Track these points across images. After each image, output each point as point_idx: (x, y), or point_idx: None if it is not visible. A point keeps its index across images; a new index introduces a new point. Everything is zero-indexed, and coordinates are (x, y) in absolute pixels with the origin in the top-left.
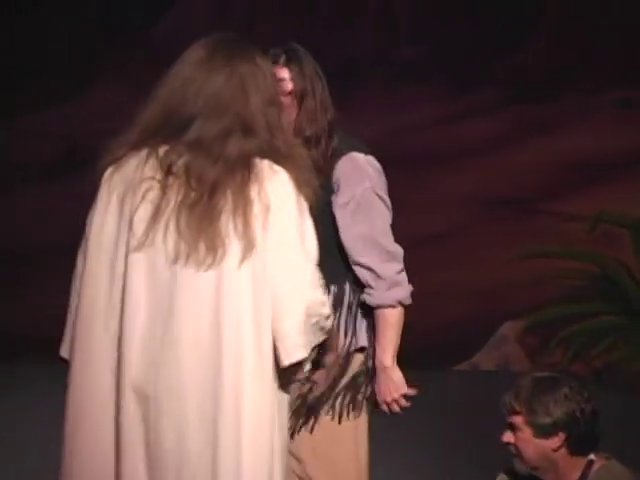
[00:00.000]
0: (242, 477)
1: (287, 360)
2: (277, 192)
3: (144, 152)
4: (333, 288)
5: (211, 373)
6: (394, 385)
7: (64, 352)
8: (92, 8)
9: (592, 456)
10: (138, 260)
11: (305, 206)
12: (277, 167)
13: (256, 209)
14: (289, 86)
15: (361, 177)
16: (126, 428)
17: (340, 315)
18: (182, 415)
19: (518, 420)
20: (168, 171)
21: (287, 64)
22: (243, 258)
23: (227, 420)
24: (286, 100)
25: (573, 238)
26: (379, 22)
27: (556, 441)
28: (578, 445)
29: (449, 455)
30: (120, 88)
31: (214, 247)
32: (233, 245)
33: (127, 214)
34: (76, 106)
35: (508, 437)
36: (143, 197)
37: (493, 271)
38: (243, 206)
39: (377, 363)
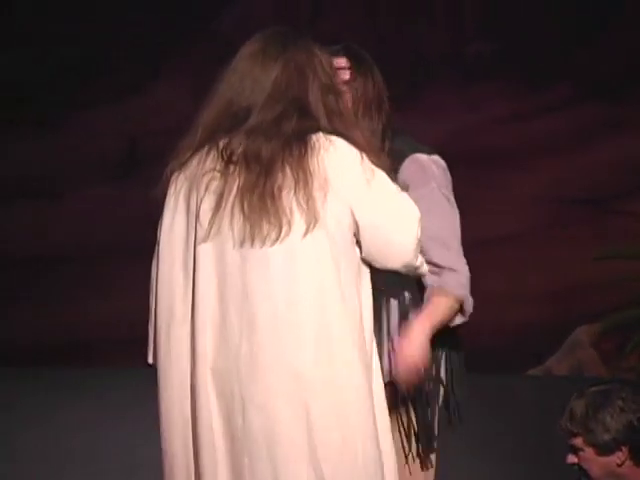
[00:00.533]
0: (343, 453)
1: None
2: (336, 159)
3: (205, 148)
4: (407, 294)
5: (292, 350)
6: (413, 350)
7: (151, 359)
8: (156, 5)
9: None
10: (206, 250)
11: (369, 165)
12: (333, 137)
13: (317, 182)
14: (346, 75)
15: (426, 178)
16: (204, 415)
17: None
18: (268, 397)
19: (578, 442)
20: (229, 160)
21: (345, 55)
22: (307, 231)
23: (317, 396)
24: (343, 89)
25: None
26: (448, 20)
27: (620, 456)
28: None
29: (518, 462)
30: (183, 86)
31: (279, 224)
32: (297, 219)
33: (193, 209)
34: (139, 104)
35: (572, 459)
36: (206, 189)
37: (566, 273)
38: (304, 179)
39: (412, 325)
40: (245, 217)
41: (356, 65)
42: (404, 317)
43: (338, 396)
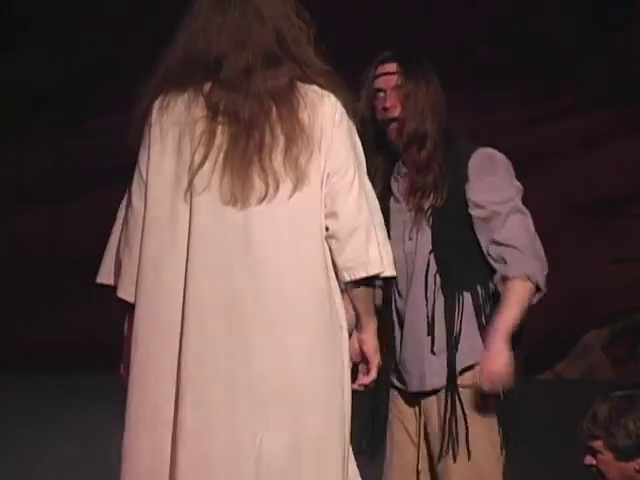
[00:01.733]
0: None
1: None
2: (325, 114)
3: (190, 92)
4: (480, 289)
5: (296, 303)
6: (496, 364)
7: (124, 293)
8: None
9: None
10: (199, 203)
11: (354, 127)
12: (324, 92)
13: (305, 138)
14: (392, 81)
15: (494, 165)
16: (190, 369)
17: (484, 317)
18: (274, 340)
19: (598, 445)
20: (215, 111)
21: (395, 61)
22: (295, 188)
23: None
24: (392, 94)
25: None
26: (458, 22)
27: (639, 462)
28: None
29: (532, 465)
30: None
31: (267, 182)
32: (286, 177)
33: (184, 157)
34: None
35: (590, 460)
36: (199, 140)
37: (578, 276)
38: (291, 137)
39: (491, 331)
40: (235, 174)
41: (405, 70)
42: (478, 313)
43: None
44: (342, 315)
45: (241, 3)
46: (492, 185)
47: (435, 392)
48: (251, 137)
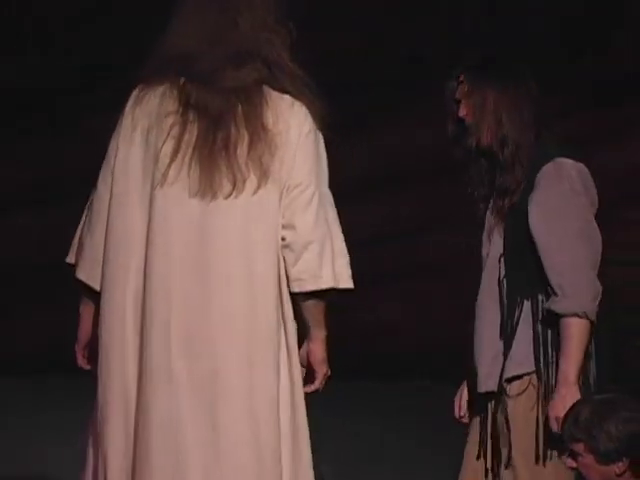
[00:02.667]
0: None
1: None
2: (293, 127)
3: (166, 86)
4: (541, 297)
5: (245, 301)
6: (562, 410)
7: (82, 274)
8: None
9: None
10: (164, 195)
11: (321, 138)
12: (296, 101)
13: (268, 138)
14: (460, 93)
15: (560, 178)
16: (155, 361)
17: (542, 326)
18: (215, 342)
19: (579, 447)
20: (186, 106)
21: (465, 72)
22: (259, 186)
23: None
24: (472, 113)
25: None
26: (446, 23)
27: (620, 466)
28: None
29: None
30: None
31: (233, 179)
32: (250, 174)
33: (152, 149)
34: None
35: (571, 463)
36: (168, 133)
37: None
38: (254, 136)
39: (560, 376)
40: (201, 169)
41: (471, 80)
42: (535, 322)
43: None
44: (290, 320)
45: (220, 4)
46: (549, 198)
47: (491, 394)
48: (219, 132)
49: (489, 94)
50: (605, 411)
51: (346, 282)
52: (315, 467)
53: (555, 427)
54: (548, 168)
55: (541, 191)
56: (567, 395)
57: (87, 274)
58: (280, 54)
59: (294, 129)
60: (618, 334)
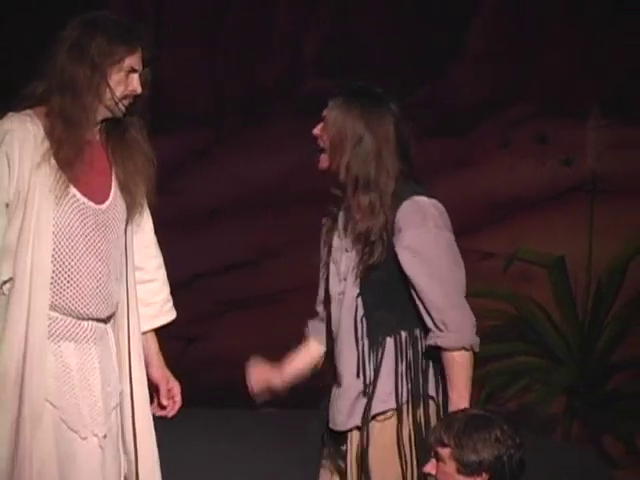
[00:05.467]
0: None
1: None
2: None
3: (31, 114)
4: (404, 333)
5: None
6: None
7: None
8: None
9: None
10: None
11: None
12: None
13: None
14: (323, 131)
15: (424, 218)
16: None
17: (409, 361)
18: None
19: (444, 452)
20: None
21: (332, 108)
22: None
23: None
24: (326, 139)
25: (490, 277)
26: (288, 53)
27: None
28: None
29: None
30: None
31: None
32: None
33: (27, 165)
34: None
35: (431, 467)
36: (43, 157)
37: None
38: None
39: (452, 408)
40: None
41: (340, 119)
42: (402, 356)
43: None
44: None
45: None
46: (419, 239)
47: (349, 431)
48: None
49: (352, 137)
50: (479, 424)
51: None
52: None
53: None
54: (407, 208)
55: (407, 233)
56: None
57: None
58: (73, 81)
59: None
60: None
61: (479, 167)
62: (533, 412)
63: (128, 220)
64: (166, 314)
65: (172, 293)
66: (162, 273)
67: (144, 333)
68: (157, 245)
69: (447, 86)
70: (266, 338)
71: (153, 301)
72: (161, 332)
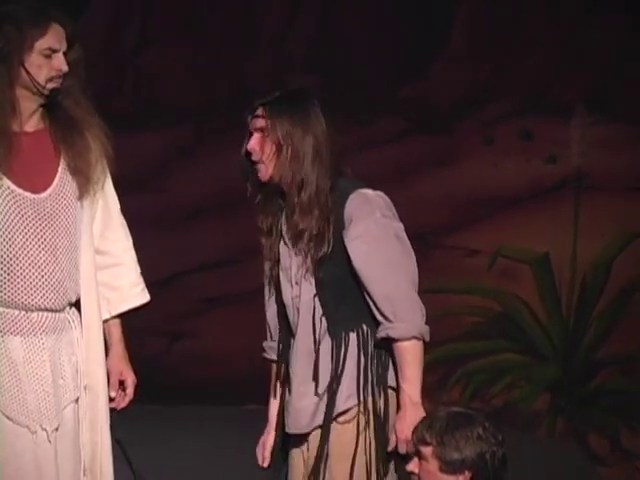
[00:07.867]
0: None
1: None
2: None
3: None
4: (366, 327)
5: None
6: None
7: None
8: None
9: None
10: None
11: None
12: None
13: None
14: (257, 124)
15: (371, 209)
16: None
17: (367, 357)
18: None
19: (427, 451)
20: None
21: (263, 115)
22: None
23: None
24: (267, 149)
25: (475, 274)
26: (273, 52)
27: (460, 479)
28: None
29: None
30: None
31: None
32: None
33: None
34: None
35: (414, 466)
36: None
37: None
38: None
39: (405, 399)
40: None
41: (273, 125)
42: (365, 350)
43: None
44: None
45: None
46: (368, 229)
47: (310, 433)
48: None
49: (289, 132)
50: (461, 422)
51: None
52: None
53: (404, 449)
54: (354, 201)
55: (356, 225)
56: (414, 415)
57: None
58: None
59: None
60: None
61: (463, 165)
62: (517, 409)
63: (83, 204)
64: (134, 298)
65: (156, 291)
66: (129, 256)
67: (110, 320)
68: (125, 228)
69: (430, 84)
70: (250, 335)
71: (118, 285)
72: (145, 329)
